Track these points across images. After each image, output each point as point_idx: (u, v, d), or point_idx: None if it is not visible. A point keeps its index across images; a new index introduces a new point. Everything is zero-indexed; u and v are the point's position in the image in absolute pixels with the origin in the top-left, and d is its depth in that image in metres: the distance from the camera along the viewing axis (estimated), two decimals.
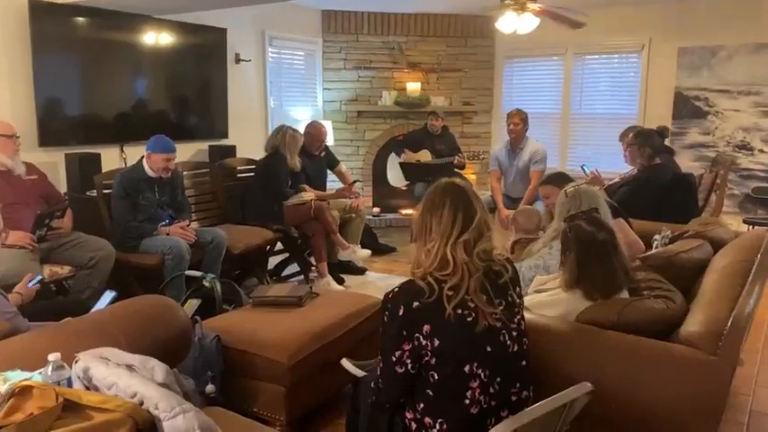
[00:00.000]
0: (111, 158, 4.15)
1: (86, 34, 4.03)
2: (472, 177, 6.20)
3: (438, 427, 1.51)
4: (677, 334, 1.84)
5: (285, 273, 4.72)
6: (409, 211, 6.15)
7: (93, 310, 2.29)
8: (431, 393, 1.51)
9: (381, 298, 2.87)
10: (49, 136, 3.81)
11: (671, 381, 1.64)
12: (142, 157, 3.57)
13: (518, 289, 1.66)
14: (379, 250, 5.29)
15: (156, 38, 4.45)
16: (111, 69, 4.22)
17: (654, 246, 2.72)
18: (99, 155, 3.93)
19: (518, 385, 1.58)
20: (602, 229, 2.01)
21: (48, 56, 3.76)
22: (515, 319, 1.60)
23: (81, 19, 3.96)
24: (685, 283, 2.23)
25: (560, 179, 3.02)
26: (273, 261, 4.72)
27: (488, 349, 1.52)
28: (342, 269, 4.68)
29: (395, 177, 6.38)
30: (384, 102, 6.29)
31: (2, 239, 2.03)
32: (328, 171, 5.05)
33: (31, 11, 3.62)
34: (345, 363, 2.17)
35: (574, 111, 6.25)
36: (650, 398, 1.66)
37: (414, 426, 1.56)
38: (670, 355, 1.69)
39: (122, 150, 4.28)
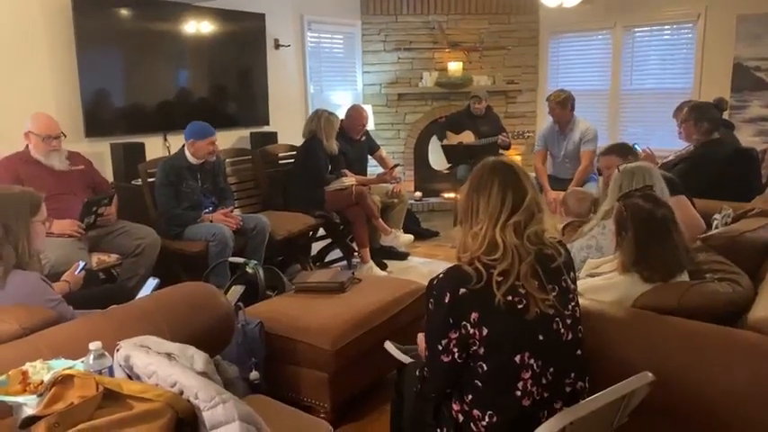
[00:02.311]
0: (155, 147, 4.20)
1: (128, 25, 4.06)
2: (517, 158, 6.03)
3: (487, 420, 1.44)
4: (745, 319, 1.71)
5: (328, 258, 4.71)
6: (451, 195, 6.04)
7: (137, 297, 2.31)
8: (480, 384, 1.44)
9: (424, 283, 2.79)
10: (94, 127, 3.87)
11: (739, 370, 1.51)
12: (183, 145, 3.58)
13: (572, 274, 1.56)
14: (422, 235, 5.23)
15: (195, 26, 4.46)
16: (152, 59, 4.25)
17: (714, 225, 2.56)
18: (143, 144, 3.97)
19: (573, 375, 1.49)
20: (660, 206, 1.89)
21: (91, 48, 3.81)
22: (570, 306, 1.51)
23: (122, 10, 4.00)
24: (751, 266, 2.08)
25: (622, 149, 2.89)
26: (316, 247, 4.71)
27: (541, 338, 1.43)
28: (384, 254, 4.63)
29: (436, 160, 6.26)
30: (425, 83, 6.17)
31: (47, 228, 2.05)
32: (369, 156, 4.99)
33: (74, 4, 3.66)
34: (389, 346, 2.12)
35: (624, 87, 5.98)
36: (716, 388, 1.54)
37: (461, 418, 1.49)
38: (738, 343, 1.57)
39: (165, 139, 4.32)
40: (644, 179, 2.26)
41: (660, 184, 2.30)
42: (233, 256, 3.37)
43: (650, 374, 1.35)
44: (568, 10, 4.69)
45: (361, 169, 4.80)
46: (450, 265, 1.52)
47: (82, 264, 2.49)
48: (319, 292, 2.68)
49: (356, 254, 4.48)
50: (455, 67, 6.10)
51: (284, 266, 4.22)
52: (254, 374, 2.29)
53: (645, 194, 1.96)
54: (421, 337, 1.69)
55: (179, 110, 4.40)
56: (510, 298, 1.42)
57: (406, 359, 2.00)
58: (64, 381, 1.26)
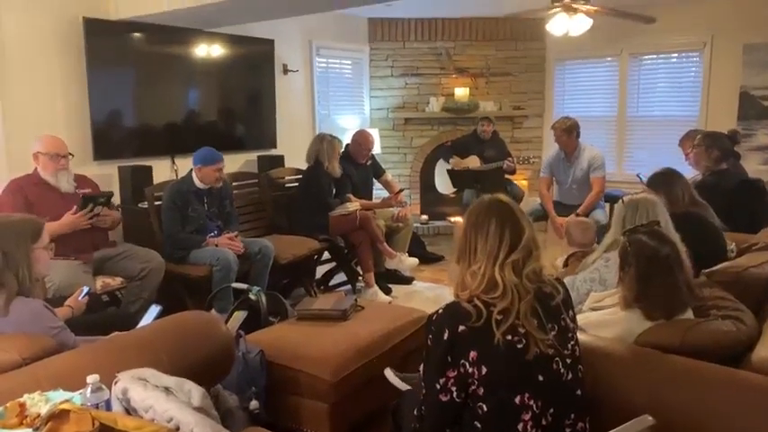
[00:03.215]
0: (163, 170, 4.23)
1: (139, 49, 4.13)
2: (523, 183, 6.04)
3: None
4: (749, 359, 1.69)
5: (332, 282, 4.70)
6: (458, 219, 6.04)
7: (139, 324, 2.31)
8: (479, 426, 1.42)
9: (428, 310, 2.78)
10: (102, 149, 3.91)
11: (744, 413, 1.49)
12: (191, 170, 3.61)
13: (571, 312, 1.55)
14: (427, 259, 5.22)
15: (206, 51, 4.53)
16: (162, 83, 4.31)
17: None
18: (151, 167, 4.01)
19: (573, 416, 1.47)
20: (665, 243, 1.87)
21: (101, 71, 3.87)
22: (569, 345, 1.50)
23: (134, 34, 4.07)
24: (755, 302, 2.05)
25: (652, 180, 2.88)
26: (321, 270, 4.70)
27: (540, 378, 1.42)
28: (389, 278, 4.62)
29: (442, 184, 6.29)
30: (431, 108, 6.21)
31: (50, 255, 2.06)
32: (374, 180, 5.01)
33: (85, 28, 3.73)
34: (389, 373, 2.10)
35: (630, 113, 6.00)
36: (719, 431, 1.52)
37: None
38: (743, 384, 1.54)
39: (173, 162, 4.36)
40: (647, 213, 2.24)
41: (665, 218, 2.29)
42: (237, 279, 3.38)
43: (650, 418, 1.33)
44: (575, 37, 4.72)
45: (366, 193, 4.82)
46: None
47: (86, 289, 2.50)
48: (322, 320, 2.67)
49: (361, 278, 4.47)
50: (462, 92, 6.15)
51: (288, 290, 4.22)
52: (254, 404, 2.28)
53: (650, 231, 1.95)
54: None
55: (187, 133, 4.45)
56: (509, 337, 1.41)
57: (403, 386, 1.99)
58: (60, 415, 1.26)
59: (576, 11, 4.37)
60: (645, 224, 2.08)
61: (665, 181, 2.87)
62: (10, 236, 1.87)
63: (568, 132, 4.58)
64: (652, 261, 1.80)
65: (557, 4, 4.38)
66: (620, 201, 2.45)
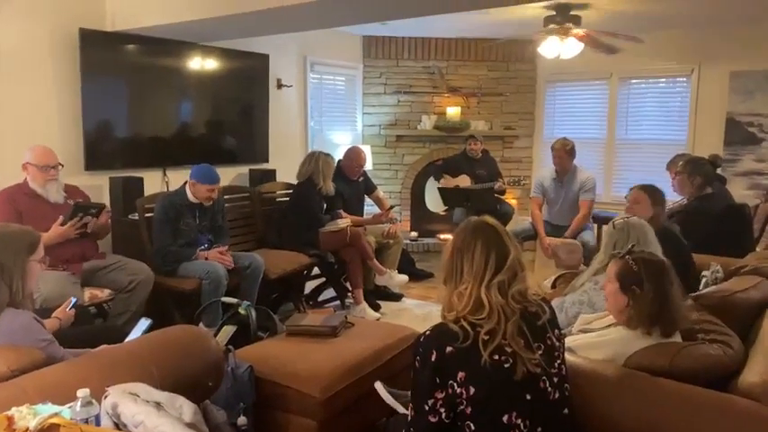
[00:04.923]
0: (154, 182, 4.22)
1: (134, 61, 4.14)
2: (513, 202, 6.08)
3: None
4: (736, 384, 1.71)
5: (321, 298, 4.69)
6: (448, 236, 6.06)
7: (128, 338, 2.30)
8: None
9: (417, 328, 2.78)
10: (94, 160, 3.90)
11: None
12: (185, 182, 3.61)
13: (557, 331, 1.57)
14: (417, 276, 5.22)
15: (200, 64, 4.55)
16: (157, 95, 4.32)
17: (703, 283, 2.58)
18: (142, 179, 4.00)
19: None
20: (663, 260, 1.92)
21: (96, 82, 3.87)
22: (555, 364, 1.51)
23: (129, 46, 4.08)
24: (742, 326, 2.09)
25: (654, 195, 2.98)
26: (310, 286, 4.69)
27: (528, 397, 1.43)
28: (378, 295, 4.62)
29: (433, 202, 6.31)
30: (423, 126, 6.26)
31: (43, 268, 2.05)
32: (366, 196, 5.03)
33: (81, 39, 3.74)
34: (379, 387, 2.10)
35: (619, 136, 6.08)
36: None
37: None
38: (732, 410, 1.56)
39: (165, 174, 4.35)
40: (638, 240, 2.26)
41: (655, 243, 2.32)
42: (226, 293, 3.37)
43: None
44: (566, 60, 4.80)
45: (357, 209, 4.83)
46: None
47: (74, 300, 2.48)
48: (311, 336, 2.66)
49: (350, 294, 4.46)
50: (453, 111, 6.21)
51: (277, 305, 4.21)
52: (242, 420, 2.26)
53: (644, 251, 1.99)
54: None
55: (180, 146, 4.45)
56: (497, 357, 1.42)
57: (395, 404, 1.98)
58: (49, 430, 1.25)
59: (567, 34, 4.45)
60: (632, 250, 2.09)
61: (661, 197, 3.05)
62: (7, 247, 1.86)
63: (570, 153, 4.64)
64: (665, 273, 1.84)
65: (548, 27, 4.46)
66: (611, 224, 2.48)
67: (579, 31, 4.43)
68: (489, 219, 1.63)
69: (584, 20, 4.51)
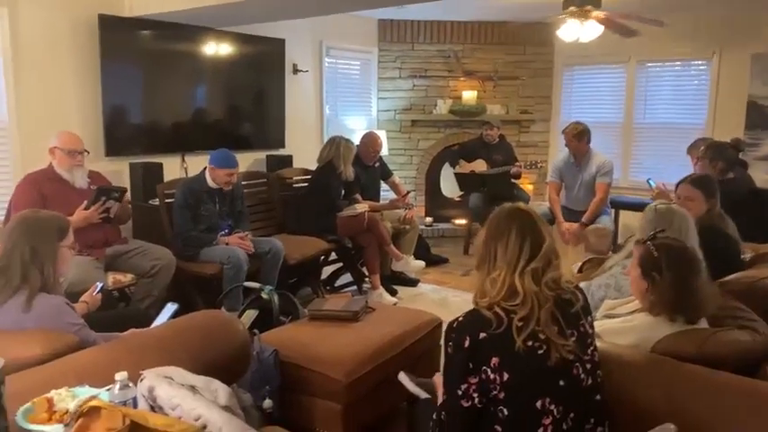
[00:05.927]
0: (173, 168, 4.25)
1: (151, 46, 4.15)
2: (529, 187, 6.06)
3: None
4: (765, 369, 1.70)
5: (338, 283, 4.72)
6: (462, 222, 6.06)
7: (154, 323, 2.33)
8: (499, 429, 1.44)
9: (434, 312, 2.79)
10: (114, 146, 3.93)
11: (763, 423, 1.50)
12: (205, 168, 3.62)
13: (590, 318, 1.57)
14: (432, 261, 5.23)
15: (217, 49, 4.54)
16: (174, 80, 4.33)
17: None
18: (161, 164, 4.03)
19: (593, 421, 1.49)
20: (687, 246, 1.89)
21: (115, 68, 3.88)
22: (588, 351, 1.51)
23: (147, 32, 4.08)
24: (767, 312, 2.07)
25: (707, 183, 2.81)
26: (326, 271, 4.72)
27: (561, 384, 1.44)
28: (394, 280, 4.64)
29: (448, 187, 6.31)
30: (439, 110, 6.23)
31: (73, 253, 2.08)
32: (382, 182, 5.03)
33: (100, 24, 3.75)
34: (403, 377, 2.11)
35: (637, 120, 6.02)
36: None
37: None
38: (762, 395, 1.56)
39: (183, 160, 4.37)
40: (680, 230, 2.18)
41: (693, 232, 2.24)
42: (246, 279, 3.39)
43: (673, 426, 1.35)
44: (584, 44, 4.74)
45: (374, 195, 4.84)
46: (458, 292, 1.53)
47: (100, 285, 2.51)
48: (333, 321, 2.68)
49: (367, 279, 4.48)
50: (469, 95, 6.16)
51: (295, 289, 4.23)
52: (267, 403, 2.29)
53: (670, 237, 1.96)
54: (438, 377, 1.69)
55: (197, 131, 4.47)
56: (530, 343, 1.43)
57: (420, 393, 1.99)
58: (90, 412, 1.28)
59: (587, 17, 4.39)
60: (657, 233, 2.05)
61: (714, 188, 2.84)
62: (39, 232, 1.89)
63: (579, 138, 4.59)
64: (686, 260, 1.82)
65: (568, 10, 4.40)
66: (651, 208, 2.36)
67: (600, 14, 4.36)
68: (524, 205, 1.62)
69: (604, 2, 4.44)
